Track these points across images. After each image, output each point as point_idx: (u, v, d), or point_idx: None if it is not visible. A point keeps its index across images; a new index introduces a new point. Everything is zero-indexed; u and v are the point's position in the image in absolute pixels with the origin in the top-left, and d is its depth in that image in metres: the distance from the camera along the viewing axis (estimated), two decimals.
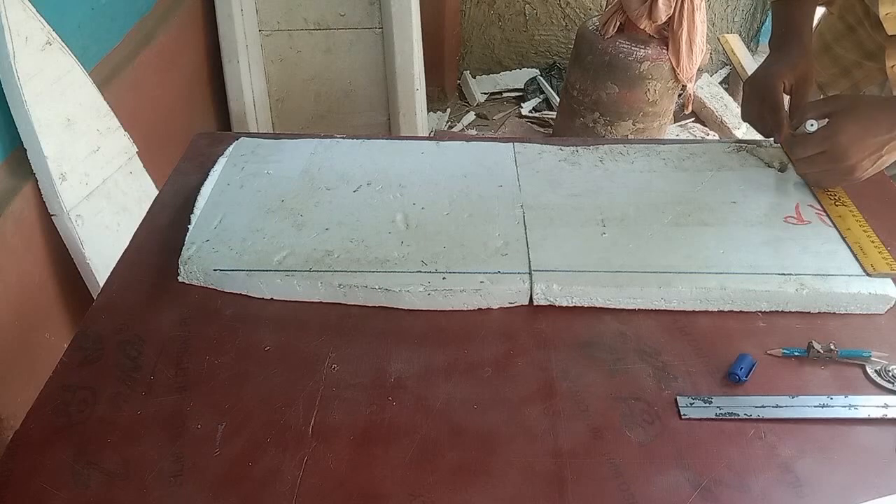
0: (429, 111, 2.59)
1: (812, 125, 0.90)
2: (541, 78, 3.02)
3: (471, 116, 2.87)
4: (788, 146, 0.93)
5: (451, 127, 2.81)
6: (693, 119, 2.82)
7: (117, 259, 0.88)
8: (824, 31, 1.20)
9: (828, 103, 0.90)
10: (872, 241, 0.84)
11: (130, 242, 0.90)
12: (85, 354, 0.75)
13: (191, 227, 0.88)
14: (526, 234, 0.86)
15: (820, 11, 1.13)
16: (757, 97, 1.03)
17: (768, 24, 1.74)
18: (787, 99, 1.02)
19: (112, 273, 0.86)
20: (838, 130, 0.86)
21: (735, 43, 1.14)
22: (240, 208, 0.91)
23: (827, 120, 0.88)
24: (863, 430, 0.67)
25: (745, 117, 1.05)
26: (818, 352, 0.72)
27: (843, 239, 0.85)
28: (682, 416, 0.68)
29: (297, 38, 2.17)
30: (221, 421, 0.67)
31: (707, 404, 0.68)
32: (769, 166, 0.97)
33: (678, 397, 0.69)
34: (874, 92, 1.14)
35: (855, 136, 0.85)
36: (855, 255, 0.82)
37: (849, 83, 1.14)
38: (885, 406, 0.68)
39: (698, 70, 2.47)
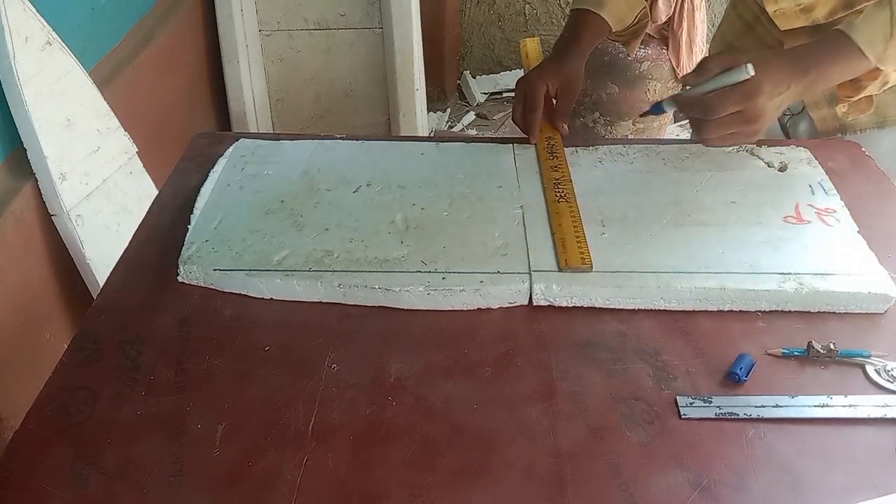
0: (429, 111, 2.59)
1: (747, 68, 0.83)
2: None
3: (471, 116, 2.87)
4: (694, 106, 0.87)
5: (451, 127, 2.81)
6: None
7: (117, 259, 0.88)
8: (725, 30, 1.19)
9: (735, 57, 0.86)
10: (577, 239, 0.84)
11: (130, 242, 0.90)
12: (85, 354, 0.75)
13: (191, 227, 0.88)
14: (525, 234, 0.86)
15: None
16: (521, 98, 1.03)
17: None
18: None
19: (112, 273, 0.86)
20: (757, 91, 0.82)
21: (531, 47, 1.14)
22: (240, 208, 0.91)
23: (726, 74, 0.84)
24: (863, 430, 0.67)
25: (513, 117, 1.05)
26: (818, 352, 0.72)
27: (552, 234, 0.85)
28: (682, 416, 0.68)
29: (297, 38, 2.17)
30: (221, 421, 0.67)
31: (707, 404, 0.68)
32: (769, 166, 0.97)
33: (678, 397, 0.69)
34: None
35: (768, 96, 0.83)
36: (555, 251, 0.83)
37: None
38: (885, 406, 0.68)
39: None
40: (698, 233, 0.86)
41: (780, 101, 0.84)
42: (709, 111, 0.84)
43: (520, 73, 3.08)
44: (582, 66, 1.06)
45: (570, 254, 0.82)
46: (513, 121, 1.06)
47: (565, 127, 1.04)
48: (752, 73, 0.82)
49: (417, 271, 0.81)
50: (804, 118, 1.08)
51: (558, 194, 0.92)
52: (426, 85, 2.31)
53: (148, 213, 0.96)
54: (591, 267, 0.80)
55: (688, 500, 0.61)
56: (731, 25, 1.16)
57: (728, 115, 0.83)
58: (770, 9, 1.04)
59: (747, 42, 1.11)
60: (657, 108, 0.95)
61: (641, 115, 0.98)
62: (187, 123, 1.91)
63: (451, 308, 0.80)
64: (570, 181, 0.94)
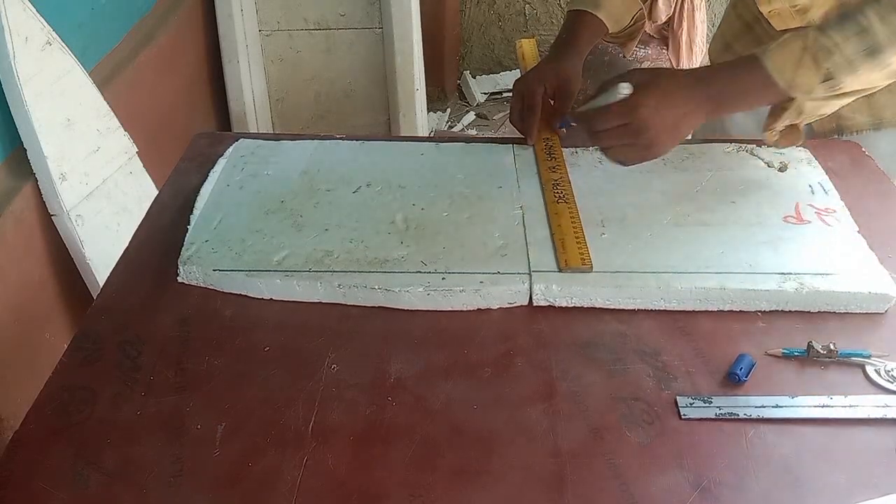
0: (429, 111, 2.59)
1: (624, 88, 0.85)
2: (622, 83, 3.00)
3: (471, 116, 2.87)
4: (588, 121, 0.89)
5: (451, 127, 2.81)
6: None
7: (117, 259, 0.88)
8: (724, 30, 1.19)
9: (628, 76, 0.87)
10: (577, 239, 0.84)
11: (130, 242, 0.90)
12: (85, 354, 0.75)
13: (190, 227, 0.88)
14: (525, 234, 0.86)
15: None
16: (519, 99, 1.03)
17: None
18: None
19: (112, 273, 0.86)
20: (639, 104, 0.84)
21: (528, 48, 1.14)
22: (239, 209, 0.91)
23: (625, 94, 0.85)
24: (863, 430, 0.67)
25: (510, 118, 1.05)
26: (818, 352, 0.72)
27: (552, 235, 0.85)
28: (682, 417, 0.68)
29: (297, 38, 2.17)
30: (221, 421, 0.67)
31: (707, 404, 0.68)
32: (769, 166, 0.97)
33: (678, 397, 0.69)
34: None
35: (653, 110, 0.83)
36: (555, 251, 0.83)
37: None
38: (885, 406, 0.68)
39: None
40: (698, 233, 0.86)
41: (675, 115, 0.84)
42: (594, 123, 0.87)
43: (520, 72, 3.09)
44: (580, 67, 1.06)
45: (570, 254, 0.82)
46: (510, 122, 1.06)
47: (563, 129, 1.03)
48: (625, 91, 0.85)
49: (417, 272, 0.81)
50: None
51: (557, 195, 0.92)
52: (426, 85, 2.31)
53: (148, 213, 0.96)
54: (592, 267, 0.80)
55: (688, 500, 0.61)
56: (730, 26, 1.16)
57: (615, 128, 0.85)
58: (764, 10, 1.04)
59: (746, 42, 1.10)
60: (565, 123, 1.00)
61: (555, 130, 1.00)
62: (187, 123, 1.90)
63: (450, 308, 0.79)
64: (569, 182, 0.94)
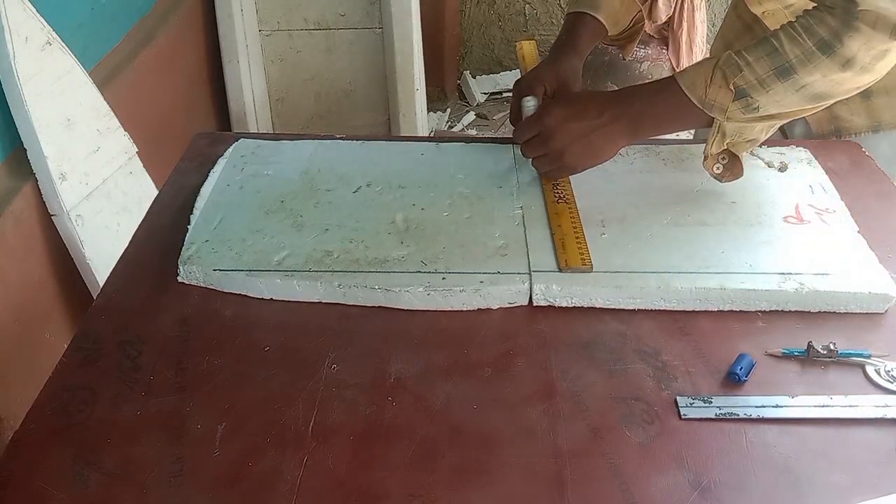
0: (429, 111, 2.59)
1: (530, 102, 0.93)
2: (527, 99, 3.00)
3: (471, 116, 2.87)
4: (515, 136, 0.95)
5: (451, 127, 2.81)
6: None
7: (117, 259, 0.88)
8: (726, 31, 1.20)
9: (534, 87, 0.93)
10: (577, 239, 0.84)
11: (130, 242, 0.90)
12: (85, 355, 0.75)
13: (190, 227, 0.88)
14: (525, 234, 0.86)
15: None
16: (519, 99, 1.03)
17: None
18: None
19: (112, 273, 0.86)
20: (545, 113, 0.88)
21: (528, 49, 1.14)
22: (239, 209, 0.91)
23: None
24: (863, 430, 0.67)
25: (510, 118, 1.06)
26: (818, 352, 0.72)
27: (552, 235, 0.86)
28: (682, 416, 0.68)
29: (297, 38, 2.17)
30: (221, 421, 0.67)
31: (707, 404, 0.68)
32: (769, 166, 0.97)
33: (678, 397, 0.69)
34: None
35: (560, 119, 0.87)
36: (555, 251, 0.83)
37: None
38: (885, 406, 0.68)
39: None
40: (698, 233, 0.86)
41: (585, 127, 0.86)
42: (516, 135, 0.94)
43: (520, 72, 3.09)
44: (579, 68, 1.07)
45: (570, 254, 0.82)
46: (510, 122, 1.06)
47: None
48: (531, 105, 0.93)
49: (417, 271, 0.81)
50: (800, 121, 1.08)
51: (557, 195, 0.92)
52: (426, 85, 2.31)
53: (148, 213, 0.96)
54: (592, 268, 0.80)
55: (688, 500, 0.61)
56: (731, 26, 1.17)
57: (533, 139, 0.90)
58: (757, 11, 1.04)
59: (746, 42, 1.11)
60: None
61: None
62: (187, 123, 1.90)
63: (450, 308, 0.80)
64: (569, 182, 0.94)
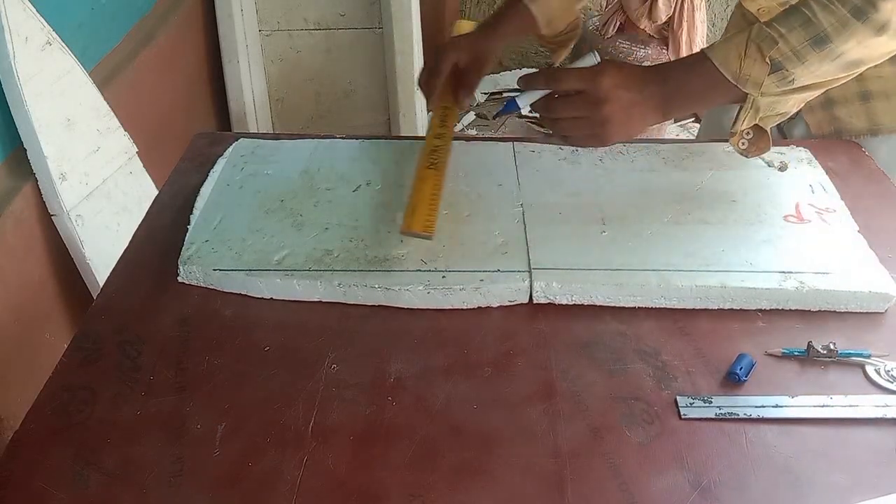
0: (429, 111, 2.59)
1: (595, 56, 0.83)
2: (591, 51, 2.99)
3: (471, 116, 2.86)
4: (538, 78, 0.86)
5: None
6: (693, 119, 2.82)
7: (117, 259, 0.88)
8: (730, 27, 1.20)
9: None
10: (430, 206, 0.83)
11: (130, 242, 0.90)
12: (84, 355, 0.75)
13: (190, 227, 0.88)
14: (525, 232, 0.86)
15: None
16: (428, 63, 1.02)
17: None
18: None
19: (112, 273, 0.86)
20: (604, 72, 0.82)
21: (465, 27, 1.13)
22: (239, 208, 0.91)
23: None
24: (863, 430, 0.67)
25: (419, 80, 1.03)
26: (818, 352, 0.72)
27: (409, 197, 0.84)
28: (682, 416, 0.68)
29: (297, 38, 2.17)
30: (221, 421, 0.67)
31: (707, 404, 0.68)
32: (769, 166, 0.97)
33: (678, 397, 0.69)
34: None
35: (615, 84, 0.81)
36: (404, 213, 0.82)
37: None
38: (885, 406, 0.68)
39: None
40: (699, 231, 0.86)
41: (632, 99, 0.82)
42: (552, 81, 0.84)
43: (520, 73, 3.08)
44: (496, 49, 1.04)
45: (416, 219, 0.81)
46: (418, 84, 1.03)
47: (466, 101, 1.01)
48: (598, 59, 0.82)
49: (417, 270, 0.81)
50: (799, 122, 1.08)
51: (431, 161, 0.91)
52: None
53: (148, 213, 0.96)
54: (432, 236, 0.79)
55: (688, 500, 0.61)
56: (735, 24, 1.17)
57: (574, 95, 0.82)
58: (751, 7, 1.03)
59: None
60: (511, 106, 0.89)
61: (494, 117, 0.96)
62: (187, 123, 1.90)
63: (451, 307, 0.79)
64: (449, 151, 0.93)
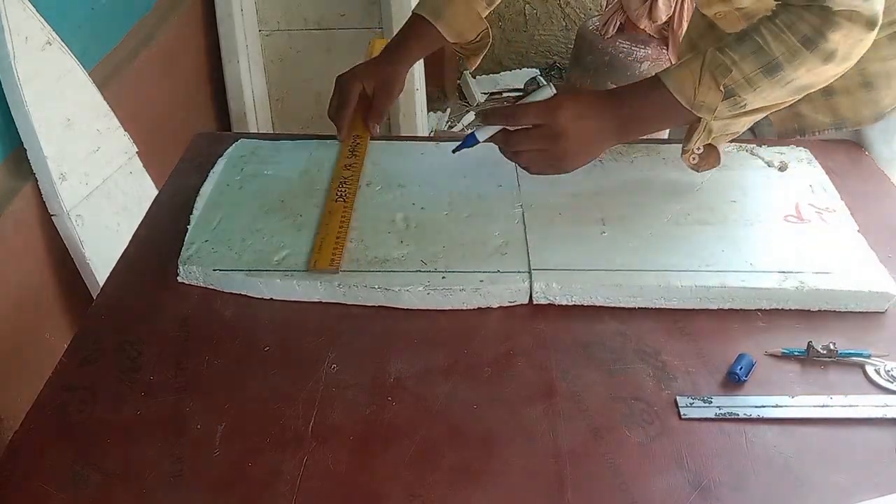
0: (429, 111, 2.58)
1: (547, 90, 0.84)
2: (541, 78, 3.01)
3: (471, 116, 2.87)
4: (504, 116, 0.86)
5: (451, 127, 2.81)
6: None
7: (117, 259, 0.88)
8: (691, 29, 1.20)
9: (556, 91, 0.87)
10: (336, 241, 0.83)
11: (130, 242, 0.90)
12: (84, 355, 0.75)
13: (190, 227, 0.88)
14: (525, 233, 0.86)
15: None
16: (336, 94, 1.03)
17: None
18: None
19: (112, 273, 0.86)
20: (558, 106, 0.82)
21: (377, 48, 1.13)
22: (239, 209, 0.91)
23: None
24: (863, 430, 0.67)
25: (328, 111, 1.04)
26: (818, 351, 0.72)
27: (315, 235, 0.85)
28: (682, 416, 0.68)
29: (297, 38, 2.17)
30: (221, 421, 0.67)
31: (707, 404, 0.68)
32: (769, 166, 0.97)
33: (678, 397, 0.69)
34: None
35: (572, 116, 0.82)
36: (312, 250, 0.83)
37: None
38: (885, 406, 0.68)
39: None
40: (699, 231, 0.86)
41: (591, 129, 0.84)
42: (510, 119, 0.85)
43: (520, 73, 3.09)
44: (403, 72, 1.06)
45: (322, 255, 0.82)
46: (328, 115, 1.04)
47: (377, 128, 1.03)
48: (553, 90, 0.84)
49: (417, 271, 0.81)
50: (765, 119, 1.09)
51: (339, 193, 0.91)
52: (426, 85, 2.31)
53: (148, 213, 0.96)
54: (338, 269, 0.80)
55: (688, 500, 0.61)
56: (696, 25, 1.17)
57: (532, 129, 0.83)
58: (707, 12, 1.04)
59: (709, 41, 1.10)
60: (470, 140, 0.90)
61: (453, 152, 0.93)
62: (187, 123, 1.90)
63: (450, 307, 0.79)
64: (357, 182, 0.94)
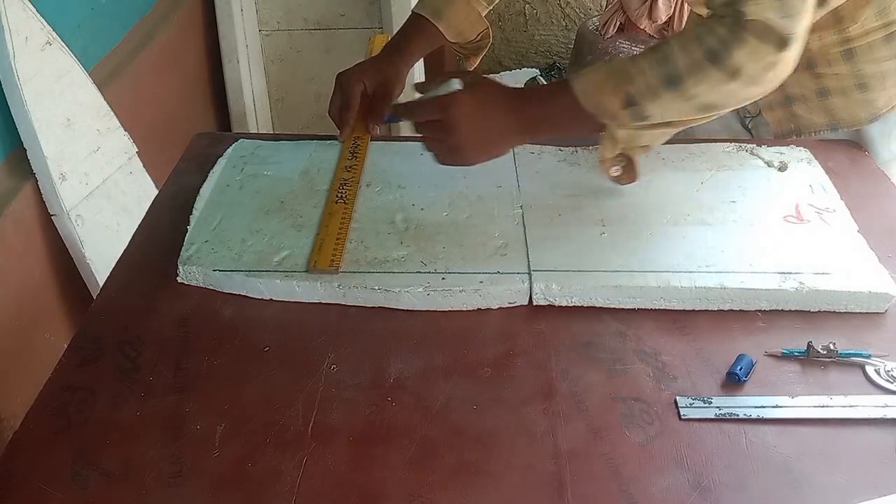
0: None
1: (456, 84, 0.87)
2: (541, 78, 3.01)
3: None
4: (408, 109, 0.90)
5: None
6: None
7: (117, 259, 0.88)
8: (688, 22, 1.20)
9: (461, 77, 0.88)
10: (336, 241, 0.84)
11: (130, 242, 0.91)
12: (84, 355, 0.75)
13: (190, 227, 0.88)
14: (525, 234, 0.86)
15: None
16: (338, 93, 1.03)
17: None
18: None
19: (112, 273, 0.86)
20: (452, 102, 0.84)
21: (378, 44, 1.13)
22: (239, 209, 0.91)
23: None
24: (862, 430, 0.67)
25: (329, 111, 1.04)
26: (818, 352, 0.72)
27: (316, 235, 0.85)
28: (682, 417, 0.68)
29: (297, 38, 2.17)
30: (220, 421, 0.67)
31: (707, 404, 0.68)
32: (769, 166, 0.97)
33: (678, 397, 0.69)
34: None
35: (466, 111, 0.84)
36: (312, 251, 0.83)
37: None
38: (885, 406, 0.68)
39: None
40: (698, 232, 0.86)
41: (487, 126, 0.84)
42: (411, 114, 0.88)
43: (520, 73, 3.09)
44: (404, 72, 1.06)
45: (322, 255, 0.82)
46: (329, 115, 1.04)
47: (377, 129, 1.03)
48: (458, 86, 0.86)
49: (417, 272, 0.81)
50: (762, 120, 1.09)
51: (340, 195, 0.91)
52: None
53: (148, 213, 0.96)
54: (338, 269, 0.80)
55: (687, 500, 0.61)
56: (692, 21, 1.17)
57: (432, 122, 0.86)
58: (700, 11, 1.03)
59: None
60: (391, 118, 1.00)
61: (368, 130, 0.98)
62: (187, 123, 1.90)
63: (450, 308, 0.79)
64: (357, 184, 0.94)
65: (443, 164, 0.89)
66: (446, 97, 0.85)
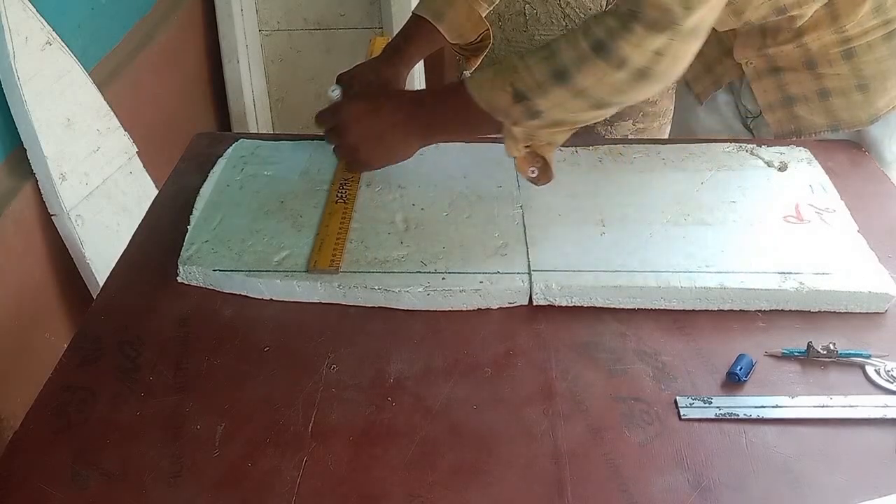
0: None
1: (334, 90, 0.95)
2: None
3: None
4: (317, 120, 0.95)
5: None
6: None
7: (117, 259, 0.88)
8: None
9: (346, 79, 0.94)
10: (336, 241, 0.84)
11: (130, 242, 0.91)
12: (84, 355, 0.75)
13: (190, 227, 0.88)
14: (525, 234, 0.86)
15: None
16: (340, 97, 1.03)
17: None
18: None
19: (111, 273, 0.86)
20: (341, 107, 0.89)
21: (378, 46, 1.13)
22: (239, 209, 0.91)
23: None
24: (863, 430, 0.67)
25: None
26: (818, 352, 0.72)
27: (316, 235, 0.85)
28: (682, 417, 0.68)
29: (297, 38, 2.17)
30: (220, 421, 0.67)
31: (707, 404, 0.68)
32: (769, 166, 0.97)
33: (678, 397, 0.69)
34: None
35: (355, 115, 0.87)
36: (312, 251, 0.83)
37: (712, 79, 1.13)
38: (885, 406, 0.68)
39: None
40: (698, 232, 0.86)
41: (380, 127, 0.87)
42: (318, 121, 0.93)
43: None
44: (404, 73, 1.06)
45: (322, 255, 0.82)
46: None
47: None
48: (336, 94, 0.95)
49: (417, 272, 0.81)
50: (763, 121, 1.08)
51: (340, 194, 0.92)
52: (426, 85, 2.31)
53: (148, 213, 0.96)
54: (338, 269, 0.81)
55: (687, 500, 0.61)
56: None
57: (329, 129, 0.91)
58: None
59: (708, 40, 1.10)
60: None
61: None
62: (187, 123, 1.90)
63: (450, 308, 0.79)
64: (357, 183, 0.94)
65: (349, 169, 0.94)
66: (338, 103, 0.91)
